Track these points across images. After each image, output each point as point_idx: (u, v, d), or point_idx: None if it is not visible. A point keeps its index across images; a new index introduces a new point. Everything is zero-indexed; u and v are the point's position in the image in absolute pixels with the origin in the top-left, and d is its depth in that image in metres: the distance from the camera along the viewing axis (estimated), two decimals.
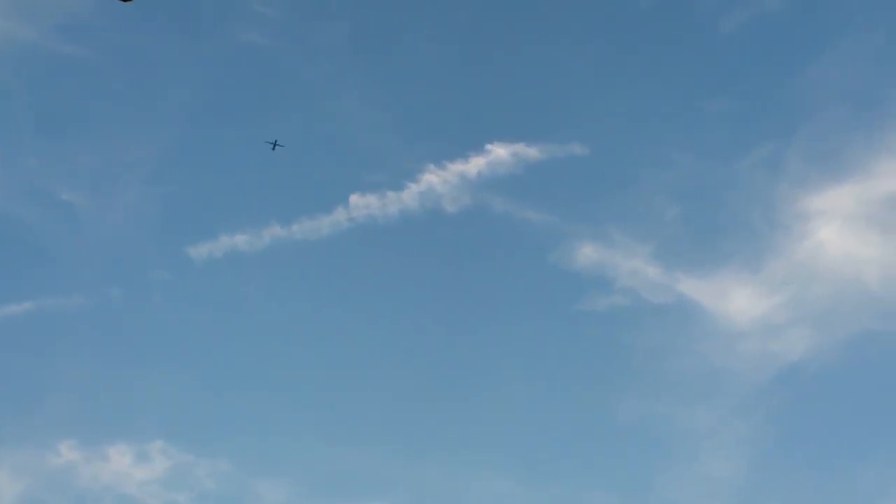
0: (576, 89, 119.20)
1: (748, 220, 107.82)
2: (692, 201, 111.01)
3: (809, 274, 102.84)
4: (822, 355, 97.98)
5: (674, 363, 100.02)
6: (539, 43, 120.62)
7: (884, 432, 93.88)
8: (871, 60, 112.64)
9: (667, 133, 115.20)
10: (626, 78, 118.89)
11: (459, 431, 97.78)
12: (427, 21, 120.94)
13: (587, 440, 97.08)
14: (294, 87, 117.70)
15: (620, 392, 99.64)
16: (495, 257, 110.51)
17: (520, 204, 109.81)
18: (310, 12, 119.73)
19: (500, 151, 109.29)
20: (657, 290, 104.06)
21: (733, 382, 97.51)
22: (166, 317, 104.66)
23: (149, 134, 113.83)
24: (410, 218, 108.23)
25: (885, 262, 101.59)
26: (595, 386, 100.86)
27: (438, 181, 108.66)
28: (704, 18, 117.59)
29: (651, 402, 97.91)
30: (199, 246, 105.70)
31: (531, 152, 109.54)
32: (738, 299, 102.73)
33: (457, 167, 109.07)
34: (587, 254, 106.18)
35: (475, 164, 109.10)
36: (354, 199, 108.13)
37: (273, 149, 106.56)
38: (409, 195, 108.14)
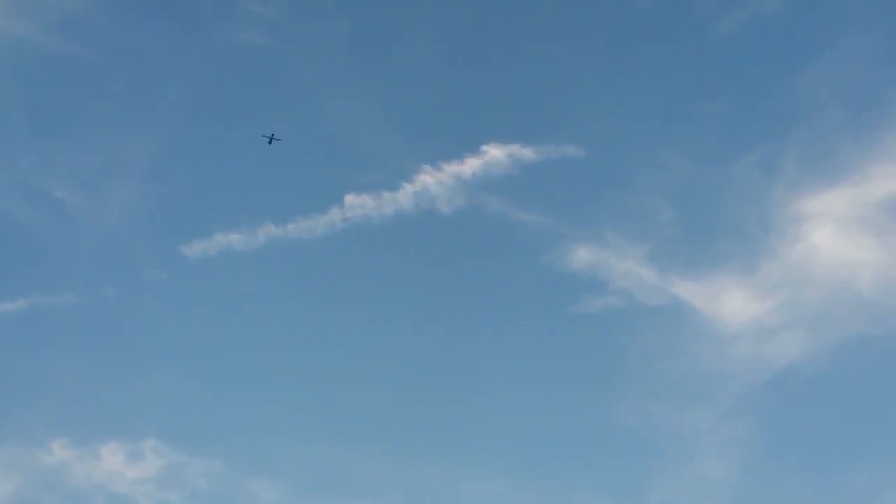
0: (572, 90, 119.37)
1: (743, 222, 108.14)
2: (687, 203, 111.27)
3: (803, 277, 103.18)
4: (816, 359, 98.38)
5: (668, 365, 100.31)
6: (535, 44, 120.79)
7: (877, 436, 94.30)
8: (868, 64, 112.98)
9: (662, 135, 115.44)
10: (622, 79, 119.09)
11: (454, 432, 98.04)
12: (424, 22, 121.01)
13: (581, 441, 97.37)
14: (290, 87, 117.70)
15: (614, 394, 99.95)
16: (490, 258, 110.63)
17: (515, 205, 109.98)
18: (306, 12, 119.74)
19: (495, 152, 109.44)
20: (651, 292, 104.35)
21: (727, 385, 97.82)
22: (160, 316, 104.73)
23: (144, 133, 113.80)
24: (405, 218, 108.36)
25: (878, 267, 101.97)
26: (589, 388, 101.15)
27: (434, 182, 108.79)
28: (701, 20, 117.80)
29: (645, 404, 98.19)
30: (194, 245, 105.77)
31: (527, 153, 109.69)
32: (732, 302, 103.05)
33: (452, 168, 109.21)
34: (582, 255, 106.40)
35: (470, 165, 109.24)
36: (350, 198, 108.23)
37: (270, 142, 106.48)
38: (405, 195, 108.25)
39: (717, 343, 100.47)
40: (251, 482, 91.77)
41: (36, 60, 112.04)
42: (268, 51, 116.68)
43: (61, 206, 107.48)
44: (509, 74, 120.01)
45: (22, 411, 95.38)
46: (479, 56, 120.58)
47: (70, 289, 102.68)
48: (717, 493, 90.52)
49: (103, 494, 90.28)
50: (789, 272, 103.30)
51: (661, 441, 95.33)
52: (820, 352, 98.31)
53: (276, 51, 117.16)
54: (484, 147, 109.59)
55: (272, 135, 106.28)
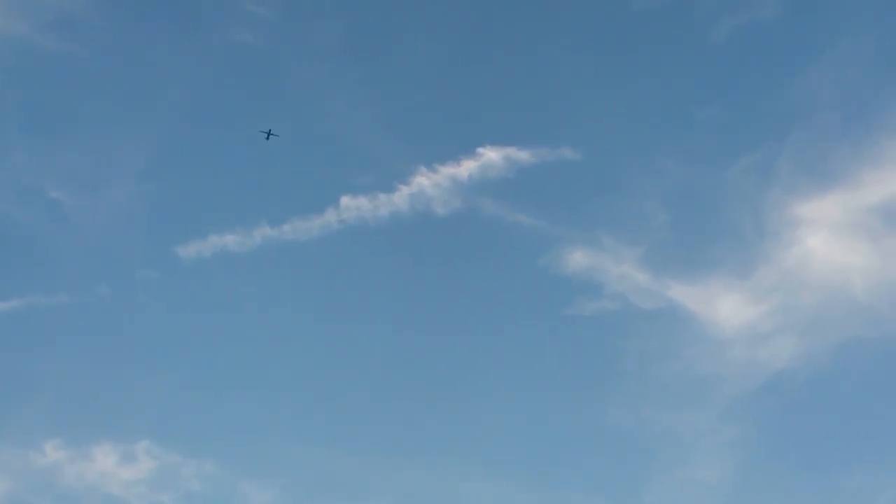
0: (568, 93, 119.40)
1: (738, 226, 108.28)
2: (682, 207, 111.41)
3: (798, 281, 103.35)
4: (810, 362, 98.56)
5: (663, 369, 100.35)
6: (532, 46, 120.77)
7: (872, 439, 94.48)
8: (863, 69, 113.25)
9: (658, 138, 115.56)
10: (618, 82, 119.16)
11: (448, 434, 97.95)
12: (420, 23, 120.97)
13: (576, 444, 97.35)
14: (286, 88, 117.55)
15: (609, 397, 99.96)
16: (485, 260, 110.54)
17: (510, 207, 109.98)
18: (303, 13, 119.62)
19: (491, 155, 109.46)
20: (646, 295, 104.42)
21: (722, 388, 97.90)
22: (155, 316, 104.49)
23: (139, 133, 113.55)
24: (401, 220, 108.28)
25: (872, 271, 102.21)
26: (584, 390, 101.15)
27: (429, 184, 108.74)
28: (697, 24, 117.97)
29: (640, 407, 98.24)
30: (189, 245, 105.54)
31: (522, 156, 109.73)
32: (727, 306, 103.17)
33: (448, 170, 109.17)
34: (577, 258, 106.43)
35: (466, 167, 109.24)
36: (345, 200, 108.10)
37: (267, 137, 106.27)
38: (400, 197, 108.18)
39: (712, 347, 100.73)
40: (245, 483, 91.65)
41: (31, 60, 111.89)
42: (264, 51, 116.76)
43: (56, 206, 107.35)
44: (506, 77, 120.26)
45: (15, 412, 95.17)
46: (476, 58, 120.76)
47: (64, 289, 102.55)
48: (712, 496, 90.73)
49: (96, 496, 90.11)
50: (784, 276, 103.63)
51: (656, 444, 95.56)
52: (814, 356, 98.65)
53: (272, 51, 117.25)
54: (480, 149, 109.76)
55: (269, 130, 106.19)
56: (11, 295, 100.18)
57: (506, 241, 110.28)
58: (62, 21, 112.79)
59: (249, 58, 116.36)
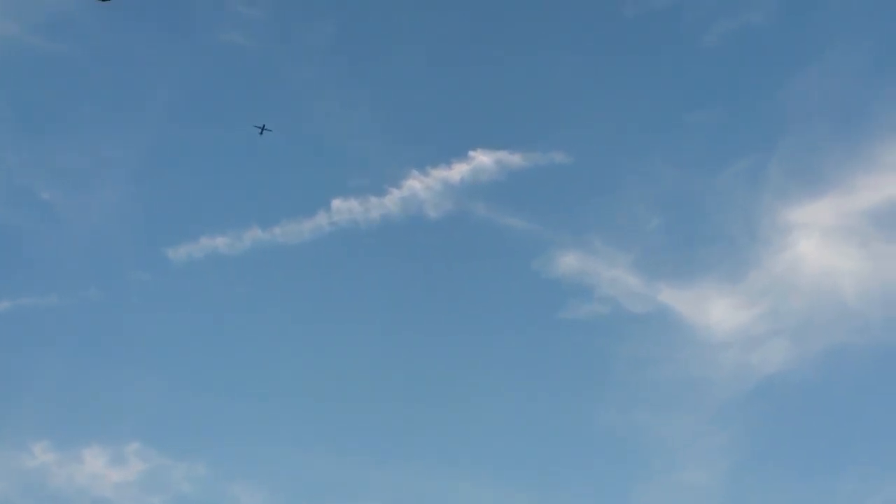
0: (560, 98, 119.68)
1: (729, 231, 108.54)
2: (674, 211, 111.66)
3: (789, 286, 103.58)
4: (801, 367, 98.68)
5: (653, 372, 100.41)
6: (524, 51, 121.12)
7: (861, 444, 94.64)
8: (854, 74, 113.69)
9: (650, 143, 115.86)
10: (610, 87, 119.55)
11: (440, 437, 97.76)
12: (413, 26, 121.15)
13: (567, 447, 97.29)
14: (277, 90, 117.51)
15: (600, 400, 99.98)
16: (477, 264, 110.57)
17: (502, 211, 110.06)
18: (294, 14, 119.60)
19: (483, 158, 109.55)
20: (638, 299, 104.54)
21: (712, 392, 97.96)
22: (145, 318, 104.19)
23: (130, 134, 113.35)
24: (392, 223, 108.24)
25: (862, 276, 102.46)
26: (575, 394, 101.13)
27: (421, 187, 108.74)
28: (689, 30, 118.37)
29: (630, 410, 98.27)
30: (180, 247, 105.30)
31: (514, 159, 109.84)
32: (717, 310, 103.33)
33: (440, 173, 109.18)
34: (569, 262, 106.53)
35: (458, 171, 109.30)
36: (337, 203, 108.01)
37: (261, 133, 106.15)
38: (392, 200, 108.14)
39: (703, 351, 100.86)
40: (235, 486, 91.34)
41: (22, 60, 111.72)
42: (255, 52, 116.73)
43: (47, 207, 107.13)
44: (498, 80, 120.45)
45: (4, 413, 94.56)
46: (468, 61, 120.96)
47: (54, 290, 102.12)
48: (702, 499, 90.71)
49: (86, 498, 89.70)
50: (775, 281, 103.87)
51: (648, 447, 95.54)
52: (805, 360, 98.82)
53: (263, 52, 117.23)
54: (472, 153, 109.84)
55: (263, 125, 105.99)
56: (1, 296, 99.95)
57: (497, 245, 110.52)
58: (53, 22, 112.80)
59: (241, 59, 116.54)
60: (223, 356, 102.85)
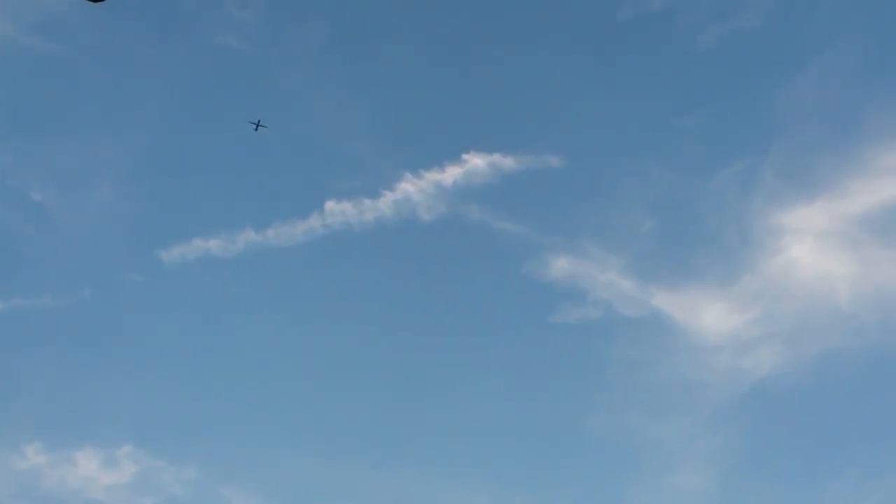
0: (553, 101, 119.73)
1: (722, 235, 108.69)
2: (667, 215, 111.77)
3: (782, 290, 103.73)
4: (794, 371, 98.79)
5: (646, 376, 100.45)
6: (518, 54, 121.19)
7: (854, 447, 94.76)
8: (847, 79, 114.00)
9: (643, 146, 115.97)
10: (603, 90, 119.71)
11: (432, 441, 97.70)
12: (406, 29, 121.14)
13: (559, 452, 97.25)
14: (271, 92, 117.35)
15: (593, 404, 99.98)
16: (470, 267, 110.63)
17: (495, 214, 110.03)
18: (287, 17, 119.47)
19: (476, 161, 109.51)
20: (630, 303, 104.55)
21: (705, 396, 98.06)
22: (137, 320, 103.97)
23: (123, 135, 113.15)
24: (386, 226, 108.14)
25: (855, 280, 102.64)
26: (568, 398, 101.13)
27: (414, 189, 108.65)
28: (682, 34, 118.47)
29: (623, 414, 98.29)
30: (172, 249, 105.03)
31: (507, 162, 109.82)
32: (710, 314, 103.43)
33: (433, 176, 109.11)
34: (561, 265, 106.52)
35: (451, 174, 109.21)
36: (330, 205, 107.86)
37: (256, 129, 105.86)
38: (385, 203, 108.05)
39: (696, 354, 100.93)
40: (227, 489, 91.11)
41: (15, 60, 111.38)
42: (249, 55, 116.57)
43: (39, 208, 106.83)
44: (491, 84, 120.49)
45: None
46: (461, 65, 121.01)
47: (46, 291, 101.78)
48: (695, 503, 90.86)
49: (78, 500, 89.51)
50: (768, 285, 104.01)
51: (640, 451, 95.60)
52: (798, 364, 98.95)
53: (257, 55, 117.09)
54: (465, 156, 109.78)
55: (258, 121, 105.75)
56: None
57: (490, 248, 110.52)
58: (48, 22, 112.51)
59: (234, 61, 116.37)
60: (216, 359, 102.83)
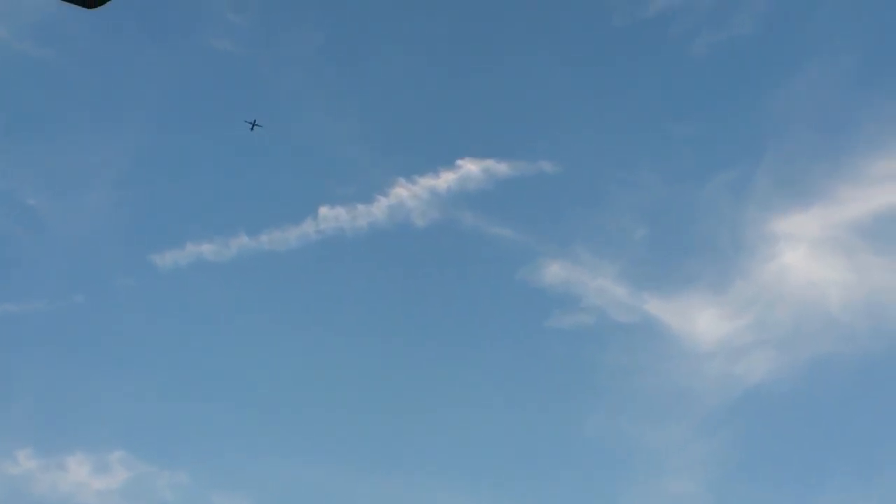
0: (547, 107, 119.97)
1: (715, 242, 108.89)
2: (660, 222, 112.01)
3: (774, 296, 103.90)
4: (786, 377, 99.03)
5: (639, 382, 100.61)
6: (512, 60, 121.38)
7: (845, 453, 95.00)
8: (839, 87, 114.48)
9: (636, 153, 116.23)
10: (597, 97, 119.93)
11: (423, 447, 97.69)
12: (401, 35, 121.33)
13: (552, 456, 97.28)
14: (265, 96, 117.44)
15: (586, 409, 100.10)
16: (463, 272, 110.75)
17: (489, 220, 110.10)
18: (282, 21, 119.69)
19: (470, 167, 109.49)
20: (623, 309, 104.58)
21: (698, 402, 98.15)
22: (130, 325, 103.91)
23: (117, 140, 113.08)
24: (379, 231, 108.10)
25: (847, 287, 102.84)
26: (561, 403, 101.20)
27: (408, 195, 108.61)
28: (676, 41, 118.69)
29: (616, 419, 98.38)
30: (165, 254, 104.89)
31: (501, 168, 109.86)
32: (703, 320, 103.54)
33: (427, 181, 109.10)
34: (555, 271, 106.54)
35: (445, 179, 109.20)
36: (324, 211, 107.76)
37: (251, 128, 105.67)
38: (379, 208, 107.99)
39: (689, 360, 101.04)
40: (218, 495, 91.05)
41: (8, 64, 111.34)
42: (243, 59, 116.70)
43: (31, 212, 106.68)
44: (485, 90, 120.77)
45: None
46: (456, 71, 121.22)
47: (39, 296, 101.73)
48: None
49: None
50: (760, 291, 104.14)
51: (633, 456, 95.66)
52: (790, 370, 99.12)
53: (251, 59, 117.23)
54: (459, 161, 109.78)
55: (254, 121, 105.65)
56: None
57: (484, 254, 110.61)
58: (41, 27, 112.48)
59: (228, 65, 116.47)
60: (208, 364, 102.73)
